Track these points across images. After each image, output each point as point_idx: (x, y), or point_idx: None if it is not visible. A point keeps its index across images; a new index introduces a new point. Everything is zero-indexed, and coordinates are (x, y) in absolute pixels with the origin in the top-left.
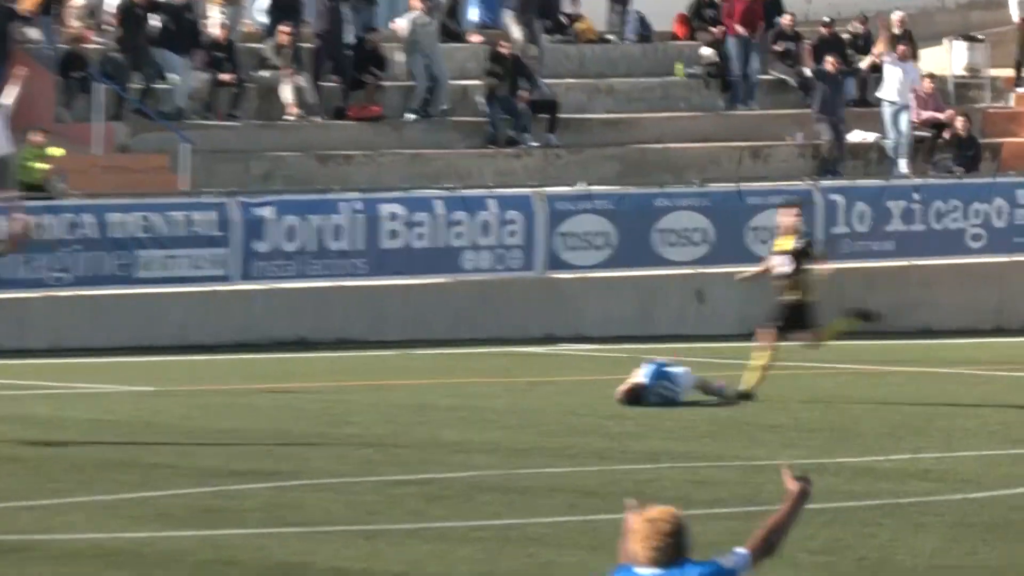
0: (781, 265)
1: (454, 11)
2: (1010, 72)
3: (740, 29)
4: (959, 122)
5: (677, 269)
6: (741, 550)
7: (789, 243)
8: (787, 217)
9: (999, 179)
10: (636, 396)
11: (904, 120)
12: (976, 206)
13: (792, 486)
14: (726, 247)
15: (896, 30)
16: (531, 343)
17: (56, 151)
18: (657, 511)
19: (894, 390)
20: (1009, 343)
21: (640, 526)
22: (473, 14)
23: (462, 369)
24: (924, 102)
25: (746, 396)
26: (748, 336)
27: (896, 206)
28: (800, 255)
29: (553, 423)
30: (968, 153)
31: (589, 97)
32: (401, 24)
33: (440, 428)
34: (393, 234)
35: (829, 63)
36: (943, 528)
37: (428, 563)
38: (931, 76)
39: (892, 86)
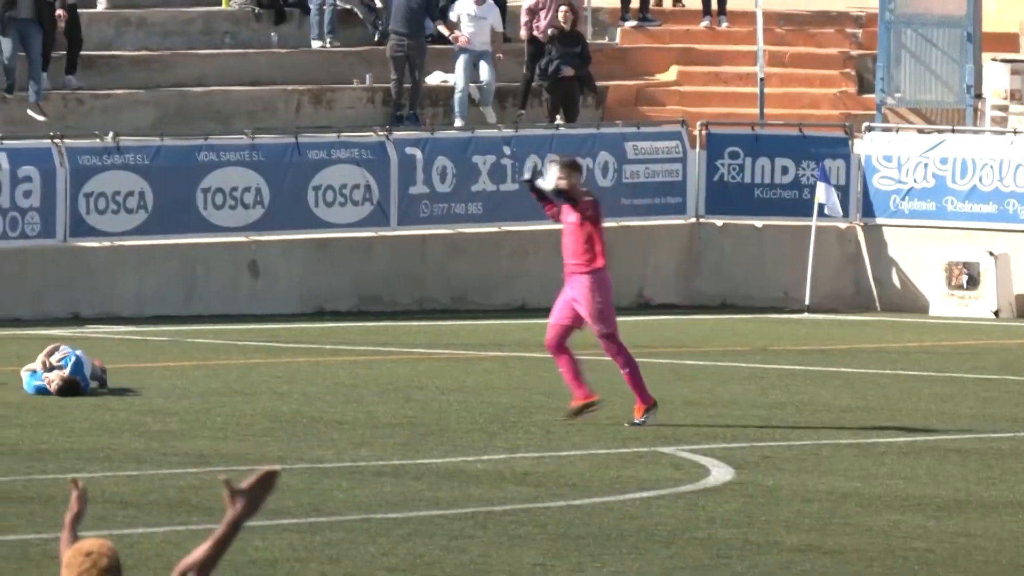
0: None
1: None
2: (615, 3)
3: None
4: (561, 13)
5: (227, 236)
6: None
7: None
8: None
9: (604, 129)
10: (74, 387)
11: (486, 70)
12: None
13: (231, 504)
14: (284, 210)
15: None
16: (53, 324)
17: None
18: (95, 543)
19: (486, 378)
20: (619, 322)
21: (75, 560)
22: None
23: None
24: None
25: None
26: (311, 315)
27: (484, 161)
28: None
29: (81, 420)
30: (575, 50)
31: (117, 30)
32: None
33: None
34: None
35: None
36: (545, 540)
37: None
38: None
39: (464, 31)
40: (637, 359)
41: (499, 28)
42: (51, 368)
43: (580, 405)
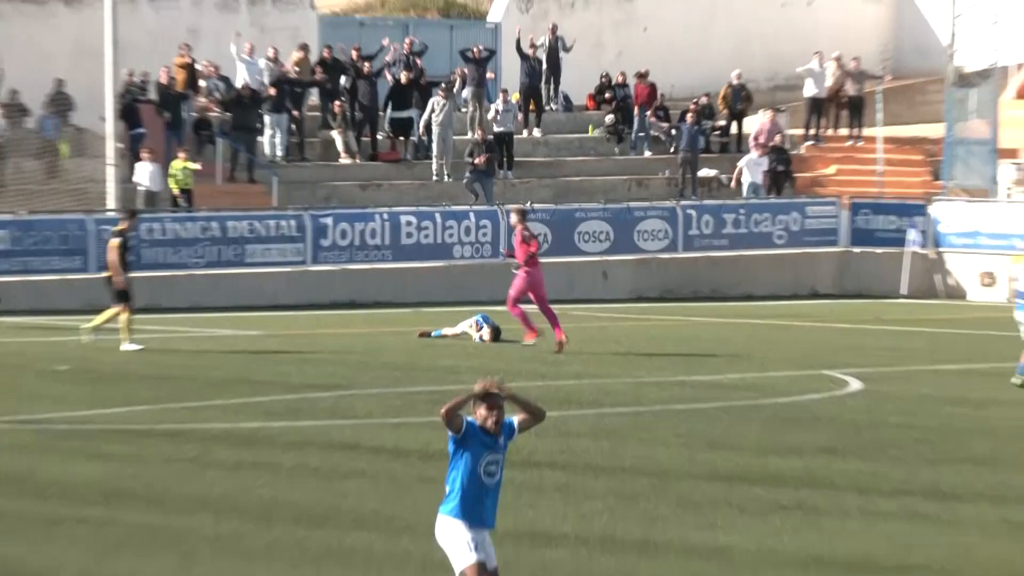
0: None
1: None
2: (801, 131)
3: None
4: (777, 137)
5: (590, 257)
6: (514, 419)
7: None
8: None
9: (795, 199)
10: (497, 335)
11: (761, 192)
12: (780, 217)
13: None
14: (622, 243)
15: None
16: (498, 304)
17: (193, 165)
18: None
19: (731, 332)
20: (801, 304)
21: (483, 379)
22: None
23: (454, 321)
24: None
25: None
26: (638, 299)
27: (729, 217)
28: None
29: (510, 357)
30: (784, 156)
31: (533, 147)
32: (433, 104)
33: (441, 357)
34: (409, 235)
35: (689, 118)
36: (763, 421)
37: (437, 443)
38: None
39: (752, 174)
40: (810, 325)
41: (766, 169)
42: (480, 329)
43: (532, 342)
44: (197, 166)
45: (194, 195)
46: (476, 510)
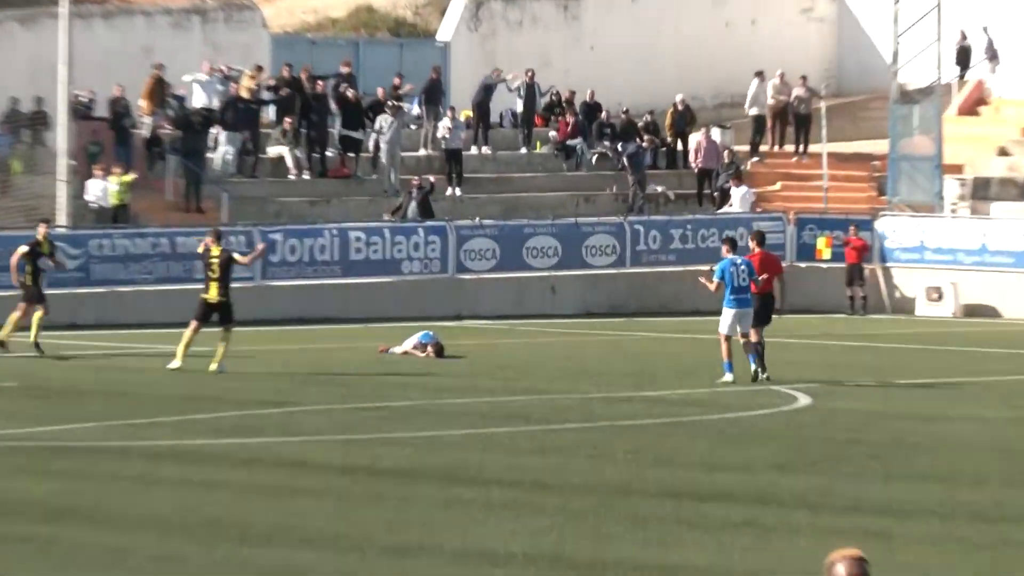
0: None
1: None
2: (746, 148)
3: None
4: (726, 153)
5: (538, 273)
6: None
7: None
8: None
9: (741, 215)
10: (441, 352)
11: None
12: (726, 232)
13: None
14: (570, 258)
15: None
16: (446, 320)
17: (128, 177)
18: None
19: (678, 348)
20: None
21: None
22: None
23: (403, 338)
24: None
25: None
26: (583, 315)
27: (676, 232)
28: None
29: (459, 372)
30: (730, 172)
31: (482, 163)
32: (380, 122)
33: (390, 373)
34: (358, 250)
35: (641, 140)
36: (711, 437)
37: (386, 459)
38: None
39: (737, 202)
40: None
41: (751, 200)
42: (423, 348)
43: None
44: (130, 177)
45: (137, 211)
46: None
